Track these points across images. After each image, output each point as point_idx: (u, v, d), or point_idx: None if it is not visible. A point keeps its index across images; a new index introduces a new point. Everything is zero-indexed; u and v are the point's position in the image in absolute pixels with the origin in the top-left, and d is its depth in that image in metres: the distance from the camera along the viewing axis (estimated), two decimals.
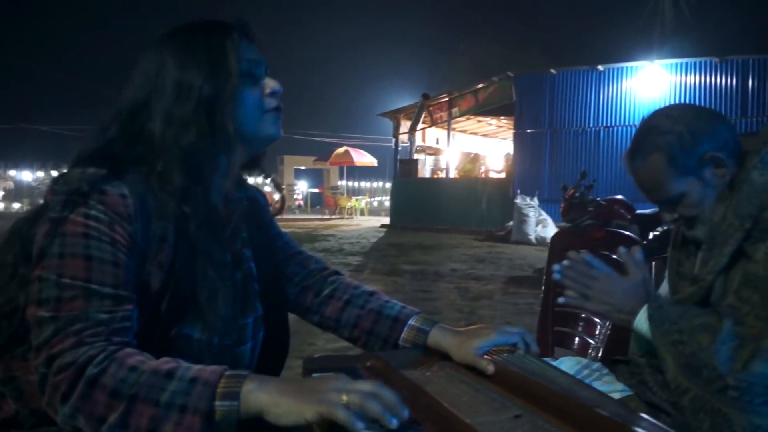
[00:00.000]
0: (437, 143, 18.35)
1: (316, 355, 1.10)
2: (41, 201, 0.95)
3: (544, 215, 11.62)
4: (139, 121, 0.96)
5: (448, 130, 16.48)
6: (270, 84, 1.02)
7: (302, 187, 29.99)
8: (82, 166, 0.90)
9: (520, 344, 1.03)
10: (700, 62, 12.09)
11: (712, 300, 1.10)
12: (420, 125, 16.49)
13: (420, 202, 14.87)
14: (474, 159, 17.41)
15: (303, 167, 29.20)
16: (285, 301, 1.17)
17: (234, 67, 0.96)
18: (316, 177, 29.92)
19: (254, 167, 1.12)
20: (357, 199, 22.53)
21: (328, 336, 1.24)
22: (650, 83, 12.45)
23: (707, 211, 1.15)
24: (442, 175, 17.65)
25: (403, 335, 1.11)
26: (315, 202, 26.98)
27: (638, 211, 6.02)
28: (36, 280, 0.84)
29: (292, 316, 1.18)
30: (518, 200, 11.76)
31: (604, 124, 12.98)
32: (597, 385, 1.21)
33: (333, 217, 20.73)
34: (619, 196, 6.51)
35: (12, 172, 27.15)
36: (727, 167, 1.13)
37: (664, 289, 1.30)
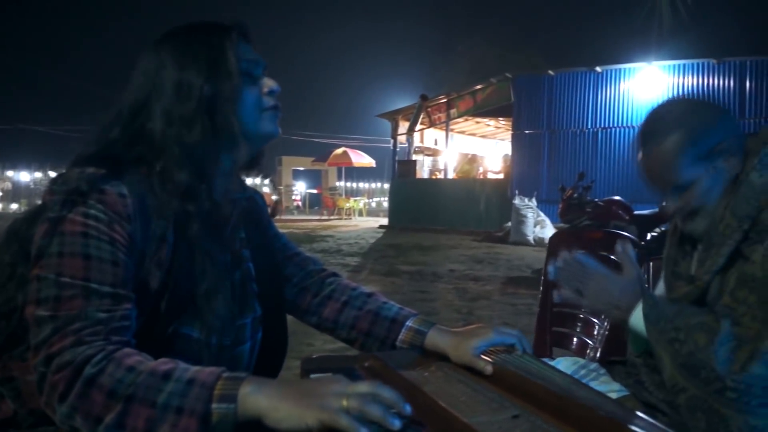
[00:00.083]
0: (435, 144, 18.36)
1: (314, 356, 1.10)
2: (39, 201, 0.95)
3: (542, 216, 11.63)
4: (139, 121, 0.96)
5: (447, 131, 16.49)
6: (268, 83, 1.02)
7: (300, 188, 29.99)
8: (81, 166, 0.90)
9: (517, 345, 1.03)
10: (698, 64, 12.11)
11: (708, 300, 1.10)
12: (418, 126, 16.49)
13: (418, 202, 14.88)
14: (472, 160, 17.45)
15: (301, 168, 29.20)
16: (283, 301, 1.18)
17: (234, 67, 0.97)
18: (315, 178, 29.93)
19: (252, 168, 1.12)
20: (355, 200, 22.54)
21: (326, 337, 1.23)
22: (648, 85, 12.47)
23: (712, 202, 1.14)
24: (441, 176, 17.67)
25: (400, 336, 1.11)
26: (313, 203, 26.97)
27: (636, 212, 6.02)
28: (34, 280, 0.84)
29: (290, 317, 1.18)
30: (516, 201, 11.77)
31: (602, 126, 12.99)
32: (594, 385, 1.21)
33: (331, 217, 20.73)
34: (617, 197, 6.51)
35: (10, 173, 27.11)
36: (737, 159, 1.13)
37: (661, 289, 1.31)
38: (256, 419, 0.75)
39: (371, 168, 24.05)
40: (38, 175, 26.58)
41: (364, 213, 22.44)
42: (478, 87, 14.99)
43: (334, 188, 25.54)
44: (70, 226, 0.85)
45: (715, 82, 11.92)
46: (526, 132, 13.82)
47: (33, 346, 0.82)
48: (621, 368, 1.28)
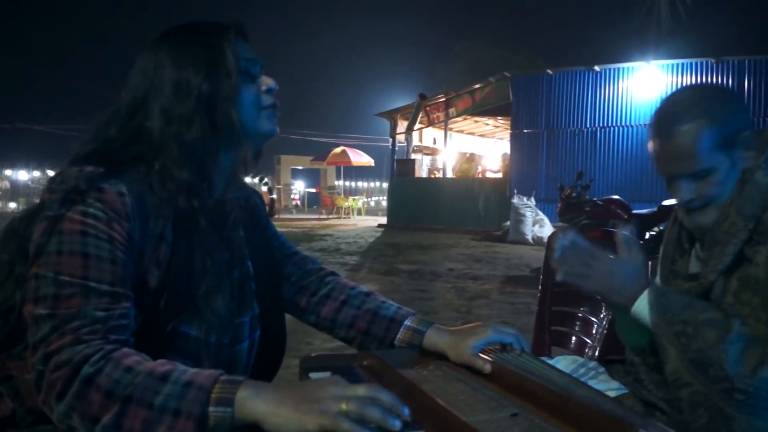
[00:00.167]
0: (434, 143, 18.36)
1: (312, 355, 1.10)
2: (37, 200, 0.95)
3: (541, 215, 11.64)
4: (137, 120, 0.96)
5: (445, 130, 16.50)
6: (266, 81, 1.02)
7: (299, 187, 29.99)
8: (80, 165, 0.90)
9: (515, 345, 1.03)
10: (696, 63, 12.12)
11: (711, 298, 1.09)
12: (417, 125, 16.50)
13: (417, 201, 14.88)
14: (470, 158, 17.44)
15: (300, 167, 29.19)
16: (281, 300, 1.18)
17: (232, 65, 0.97)
18: (313, 177, 29.93)
19: (250, 167, 1.12)
20: (354, 199, 22.55)
21: (325, 336, 1.23)
22: (646, 84, 12.48)
23: (725, 196, 1.10)
24: (439, 175, 17.67)
25: (399, 336, 1.12)
26: (312, 202, 26.98)
27: (635, 211, 6.02)
28: (33, 278, 0.84)
29: (288, 316, 1.18)
30: (515, 200, 11.78)
31: (601, 125, 13.01)
32: (593, 383, 1.21)
33: (330, 216, 20.73)
34: (616, 196, 6.52)
35: (8, 172, 27.07)
36: (754, 152, 1.10)
37: None
38: (254, 423, 0.74)
39: (370, 167, 24.07)
40: (36, 174, 26.54)
41: (362, 212, 22.45)
42: (477, 86, 14.99)
43: (333, 187, 25.55)
44: (68, 225, 0.85)
45: (714, 81, 11.91)
46: (525, 131, 13.83)
47: (31, 344, 0.81)
48: (619, 367, 1.27)
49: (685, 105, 1.12)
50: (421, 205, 14.75)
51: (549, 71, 13.63)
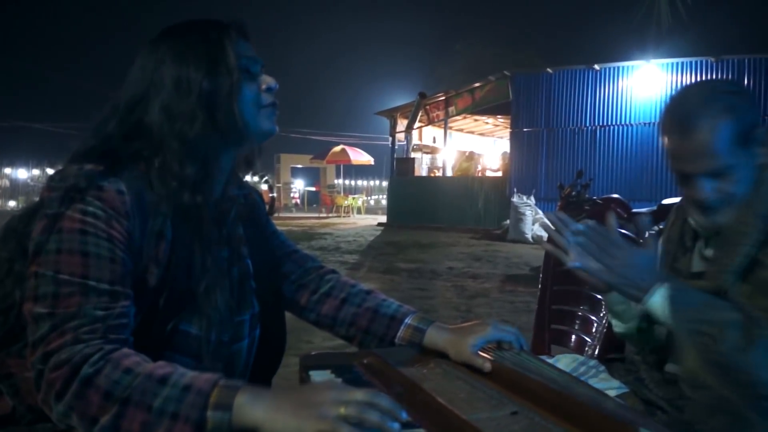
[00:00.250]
0: (434, 142, 18.36)
1: (313, 353, 1.10)
2: (37, 198, 0.95)
3: (541, 214, 11.64)
4: (137, 115, 0.96)
5: (445, 128, 16.50)
6: (267, 80, 1.02)
7: (299, 186, 29.99)
8: (79, 163, 0.90)
9: (514, 343, 1.03)
10: (696, 62, 12.12)
11: (728, 297, 1.05)
12: (417, 124, 16.50)
13: (417, 200, 14.89)
14: (470, 156, 17.44)
15: (300, 165, 29.19)
16: (281, 298, 1.17)
17: (233, 63, 0.97)
18: (313, 175, 29.93)
19: (250, 165, 1.12)
20: (354, 198, 22.55)
21: (325, 334, 1.23)
22: (646, 82, 12.47)
23: (744, 193, 1.07)
24: (439, 173, 17.67)
25: (399, 334, 1.12)
26: (312, 201, 26.98)
27: (634, 210, 6.04)
28: (32, 276, 0.84)
29: (288, 314, 1.18)
30: (515, 199, 11.79)
31: (601, 123, 13.00)
32: (593, 382, 1.20)
33: (330, 215, 20.73)
34: (616, 195, 6.51)
35: (7, 170, 27.05)
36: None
37: None
38: (252, 429, 0.74)
39: (370, 165, 24.07)
40: (36, 172, 26.53)
41: (362, 211, 22.45)
42: (477, 85, 14.99)
43: (333, 186, 25.55)
44: (68, 223, 0.85)
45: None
46: (525, 130, 13.83)
47: (31, 343, 0.81)
48: (620, 365, 1.27)
49: (703, 100, 1.08)
50: (421, 204, 14.76)
51: (549, 70, 13.63)
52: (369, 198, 28.71)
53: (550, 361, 1.30)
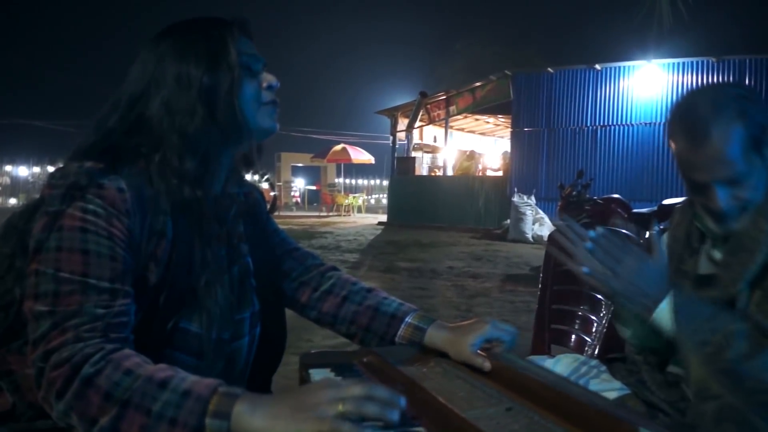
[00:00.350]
0: (435, 141, 18.36)
1: (313, 351, 1.10)
2: (37, 196, 0.95)
3: (541, 213, 11.65)
4: (138, 110, 0.96)
5: (446, 128, 16.50)
6: (268, 78, 1.02)
7: (299, 184, 30.00)
8: (80, 160, 0.90)
9: (507, 345, 1.02)
10: (697, 62, 12.11)
11: (738, 307, 1.03)
12: (417, 123, 16.50)
13: (417, 199, 14.89)
14: (470, 156, 17.44)
15: (300, 164, 29.19)
16: (282, 296, 1.18)
17: (234, 59, 0.97)
18: (314, 174, 29.94)
19: (251, 163, 1.12)
20: (354, 197, 22.55)
21: (325, 332, 1.23)
22: (647, 83, 12.47)
23: (759, 199, 1.05)
24: (440, 173, 17.67)
25: (400, 332, 1.12)
26: (312, 200, 26.99)
27: (635, 210, 6.05)
28: (33, 274, 0.84)
29: (289, 313, 1.18)
30: (515, 198, 11.79)
31: (601, 123, 13.00)
32: (595, 382, 1.20)
33: (330, 214, 20.73)
34: (616, 195, 6.52)
35: (8, 168, 27.07)
36: None
37: None
38: None
39: (370, 165, 24.05)
40: (37, 170, 26.55)
41: (362, 210, 22.46)
42: (478, 84, 14.99)
43: (333, 185, 25.55)
44: (68, 221, 0.85)
45: (715, 80, 11.90)
46: (525, 129, 13.82)
47: (31, 341, 0.81)
48: (621, 365, 1.25)
49: (713, 106, 1.04)
50: (422, 203, 14.76)
51: (550, 69, 13.63)
52: (369, 197, 28.71)
53: (551, 360, 1.30)
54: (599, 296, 1.60)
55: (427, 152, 19.61)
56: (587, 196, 6.85)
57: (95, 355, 0.78)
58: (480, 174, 16.19)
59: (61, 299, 0.81)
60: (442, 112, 16.21)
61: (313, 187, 28.80)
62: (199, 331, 0.94)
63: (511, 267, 7.83)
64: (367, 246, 10.28)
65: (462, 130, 19.03)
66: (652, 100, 12.37)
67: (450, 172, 16.82)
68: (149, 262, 0.91)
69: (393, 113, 17.02)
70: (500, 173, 15.35)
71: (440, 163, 18.37)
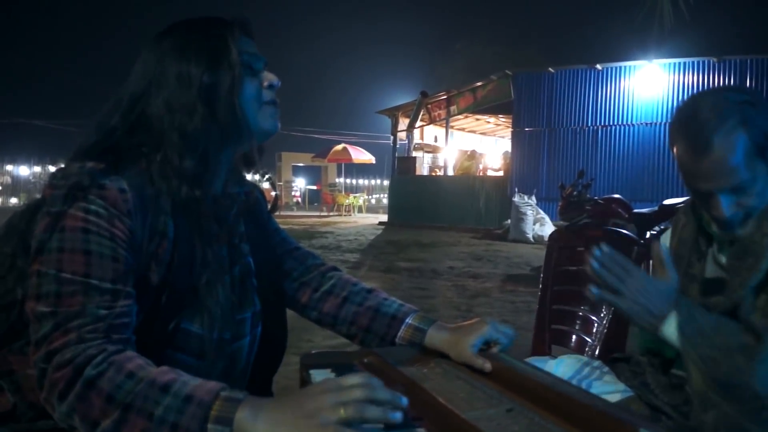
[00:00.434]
0: (435, 141, 18.36)
1: (313, 351, 1.10)
2: (38, 195, 0.95)
3: (542, 214, 11.65)
4: (139, 109, 0.96)
5: (446, 128, 16.49)
6: (269, 77, 1.02)
7: (300, 184, 30.00)
8: (81, 160, 0.90)
9: (503, 347, 1.02)
10: (698, 62, 12.10)
11: (741, 315, 1.03)
12: (418, 123, 16.50)
13: (418, 199, 14.89)
14: (471, 155, 17.43)
15: (301, 164, 29.21)
16: (283, 296, 1.17)
17: (235, 58, 0.97)
18: (314, 174, 29.95)
19: (251, 163, 1.12)
20: (355, 197, 22.55)
21: (326, 332, 1.23)
22: (648, 82, 12.46)
23: (764, 203, 1.04)
24: (440, 173, 17.67)
25: (400, 333, 1.12)
26: (313, 199, 27.00)
27: (636, 210, 6.03)
28: (35, 275, 0.84)
29: (289, 312, 1.18)
30: (516, 198, 11.78)
31: (602, 123, 13.00)
32: (598, 384, 1.19)
33: (331, 214, 20.73)
34: (617, 195, 6.52)
35: (9, 167, 27.09)
36: None
37: None
38: None
39: (371, 164, 24.06)
40: (37, 169, 26.57)
41: (363, 210, 22.46)
42: (478, 84, 14.99)
43: (334, 185, 25.55)
44: (70, 222, 0.85)
45: (716, 80, 11.91)
46: (526, 129, 13.82)
47: (33, 341, 0.81)
48: (625, 366, 1.25)
49: (716, 114, 1.02)
50: (422, 203, 14.76)
51: (550, 69, 13.62)
52: (370, 197, 28.70)
53: (553, 361, 1.30)
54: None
55: (428, 152, 19.61)
56: (588, 196, 6.83)
57: (97, 357, 0.78)
58: (481, 174, 16.18)
59: (63, 300, 0.81)
60: (442, 112, 16.20)
61: (314, 187, 28.81)
62: (201, 332, 0.94)
63: (511, 267, 7.82)
64: (367, 246, 10.28)
65: (463, 129, 19.03)
66: (653, 100, 12.36)
67: (451, 172, 16.82)
68: (151, 263, 0.91)
69: (394, 113, 17.02)
70: (501, 173, 15.34)
71: (441, 163, 18.37)
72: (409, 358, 1.06)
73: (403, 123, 16.69)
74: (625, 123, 12.74)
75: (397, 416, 0.71)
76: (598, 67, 13.02)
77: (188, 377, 0.78)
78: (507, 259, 8.67)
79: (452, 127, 17.10)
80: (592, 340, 1.63)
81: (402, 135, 16.92)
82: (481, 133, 20.05)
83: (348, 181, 30.60)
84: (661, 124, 12.19)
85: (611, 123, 12.90)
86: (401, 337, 1.11)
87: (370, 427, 0.70)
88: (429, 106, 16.27)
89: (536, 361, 1.23)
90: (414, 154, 17.37)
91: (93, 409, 0.75)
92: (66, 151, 0.96)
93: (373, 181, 34.46)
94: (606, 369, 1.26)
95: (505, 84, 14.12)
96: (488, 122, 18.55)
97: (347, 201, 21.35)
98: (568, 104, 13.36)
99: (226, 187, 1.05)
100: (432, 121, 16.79)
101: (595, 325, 1.65)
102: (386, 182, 22.58)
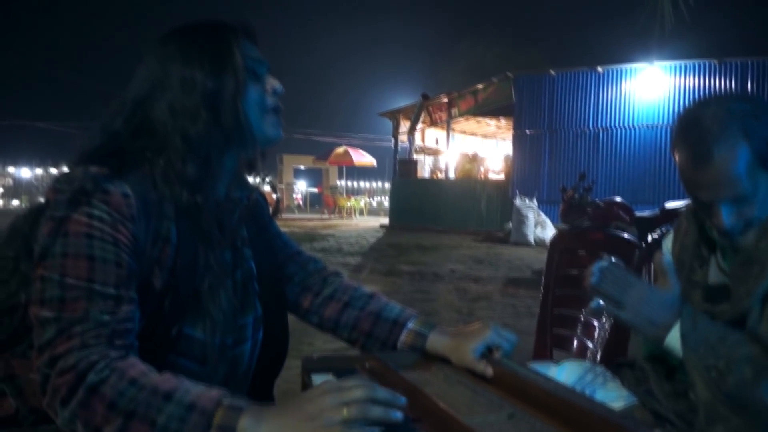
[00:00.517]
0: (437, 144, 18.36)
1: (314, 355, 1.10)
2: (41, 199, 0.95)
3: (543, 216, 11.64)
4: (142, 112, 0.96)
5: (448, 130, 16.49)
6: (272, 83, 1.03)
7: (301, 187, 30.00)
8: (85, 164, 0.90)
9: (505, 352, 1.02)
10: (699, 64, 12.11)
11: (748, 325, 1.02)
12: (419, 125, 16.50)
13: (419, 202, 14.88)
14: (473, 158, 17.43)
15: (302, 167, 29.19)
16: (284, 301, 1.18)
17: (239, 63, 0.97)
18: (316, 176, 29.93)
19: (253, 168, 1.12)
20: (356, 199, 22.54)
21: (327, 336, 1.23)
22: (649, 85, 12.47)
23: (765, 215, 1.04)
24: (442, 175, 17.67)
25: (401, 338, 1.12)
26: (314, 202, 27.00)
27: (637, 214, 6.04)
28: (38, 280, 0.84)
29: (290, 316, 1.18)
30: (517, 201, 11.77)
31: (603, 126, 13.00)
32: (601, 391, 1.18)
33: (332, 216, 20.73)
34: (618, 198, 6.52)
35: (11, 169, 27.11)
36: None
37: None
38: None
39: (372, 167, 24.05)
40: (39, 171, 26.60)
41: (364, 212, 22.46)
42: (480, 86, 14.99)
43: (335, 187, 25.55)
44: (74, 227, 0.85)
45: (716, 82, 11.92)
46: (527, 132, 13.82)
47: (37, 346, 0.81)
48: (629, 373, 1.24)
49: (719, 125, 1.01)
50: (423, 206, 14.75)
51: (551, 72, 13.63)
52: (371, 199, 28.68)
53: (556, 367, 1.30)
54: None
55: (429, 155, 19.62)
56: (589, 199, 6.83)
57: (100, 363, 0.78)
58: (482, 176, 16.18)
59: (66, 305, 0.82)
60: (443, 115, 16.21)
61: (315, 190, 28.79)
62: (203, 337, 0.94)
63: (512, 270, 7.82)
64: (368, 249, 10.27)
65: (464, 132, 19.03)
66: (655, 102, 12.37)
67: (452, 175, 16.81)
68: (154, 267, 0.91)
69: (395, 115, 17.03)
70: (502, 176, 15.34)
71: (442, 166, 18.36)
72: (410, 362, 1.06)
73: (405, 125, 16.69)
74: (626, 125, 12.74)
75: (398, 415, 0.72)
76: (599, 69, 13.02)
77: (191, 385, 0.78)
78: (508, 262, 8.67)
79: (453, 129, 17.10)
80: (593, 344, 1.63)
81: (403, 137, 16.92)
82: (482, 136, 20.05)
83: (349, 183, 30.60)
84: (662, 126, 12.19)
85: (612, 125, 12.90)
86: (403, 342, 1.11)
87: (372, 427, 0.71)
88: (430, 108, 16.28)
89: (539, 366, 1.23)
90: (415, 156, 17.37)
91: (95, 415, 0.76)
92: (68, 154, 0.96)
93: (374, 184, 34.45)
94: (609, 375, 1.25)
95: (507, 86, 14.12)
96: (489, 125, 18.54)
97: (348, 204, 21.35)
98: (570, 107, 13.36)
99: (229, 191, 1.05)
100: (433, 123, 16.79)
101: (597, 329, 1.64)
102: (387, 185, 22.58)
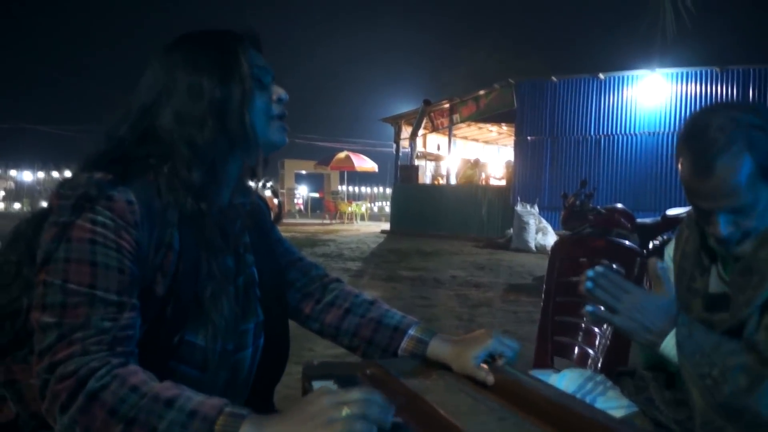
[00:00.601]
0: (438, 149, 18.38)
1: (315, 362, 1.10)
2: (44, 203, 0.95)
3: (544, 223, 11.63)
4: (148, 120, 0.97)
5: (449, 136, 16.52)
6: (278, 91, 1.03)
7: (303, 192, 30.02)
8: (89, 170, 0.91)
9: (509, 360, 1.02)
10: (701, 71, 12.12)
11: (745, 334, 1.02)
12: (421, 131, 16.52)
13: (420, 208, 14.89)
14: (474, 164, 17.46)
15: (304, 171, 29.24)
16: (285, 307, 1.18)
17: (246, 71, 0.97)
18: (317, 181, 29.97)
19: (256, 174, 1.12)
20: (357, 204, 22.54)
21: (327, 342, 1.23)
22: (651, 92, 12.48)
23: (765, 225, 1.04)
24: (443, 181, 17.68)
25: (402, 345, 1.11)
26: (315, 207, 27.00)
27: (638, 221, 6.03)
28: (41, 285, 0.84)
29: (291, 322, 1.18)
30: (518, 207, 11.77)
31: (605, 133, 13.01)
32: (602, 399, 1.18)
33: (333, 221, 20.73)
34: (620, 205, 6.52)
35: (13, 173, 27.16)
36: None
37: None
38: None
39: (373, 172, 24.06)
40: (41, 175, 26.65)
41: (365, 217, 22.45)
42: (481, 92, 15.02)
43: (336, 192, 25.54)
44: (77, 233, 0.85)
45: (719, 90, 11.93)
46: (529, 138, 13.83)
47: (37, 351, 0.81)
48: (629, 381, 1.24)
49: (725, 134, 1.01)
50: (425, 212, 14.75)
51: (553, 78, 13.65)
52: (372, 205, 28.68)
53: (557, 375, 1.29)
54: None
55: (431, 160, 19.63)
56: (591, 205, 6.82)
57: (101, 369, 0.78)
58: (483, 182, 16.18)
59: (68, 311, 0.82)
60: (445, 120, 16.24)
61: (317, 195, 28.81)
62: (204, 344, 0.94)
63: (513, 276, 7.81)
64: (369, 254, 10.27)
65: (465, 138, 19.05)
66: (656, 109, 12.38)
67: (453, 181, 16.82)
68: (156, 274, 0.91)
69: (397, 121, 17.06)
70: (503, 182, 15.34)
71: (443, 172, 18.38)
72: (411, 369, 1.06)
73: (406, 131, 16.72)
74: (627, 132, 12.75)
75: (389, 418, 0.73)
76: (601, 76, 13.04)
77: (192, 393, 0.78)
78: (509, 268, 8.66)
79: (455, 135, 17.12)
80: (594, 352, 1.63)
81: (405, 143, 16.94)
82: (483, 142, 20.08)
83: (350, 188, 30.63)
84: (664, 133, 12.20)
85: (614, 132, 12.91)
86: (403, 349, 1.11)
87: (372, 426, 0.71)
88: (432, 114, 16.31)
89: (539, 374, 1.22)
90: (416, 162, 17.38)
91: (95, 422, 0.75)
92: (69, 157, 0.98)
93: (375, 189, 34.46)
94: (610, 384, 1.25)
95: (508, 92, 14.14)
96: (491, 131, 18.57)
97: (350, 209, 21.35)
98: (571, 113, 13.37)
99: (232, 198, 1.06)
100: (435, 129, 16.82)
101: (598, 336, 1.64)
102: (389, 190, 22.59)
